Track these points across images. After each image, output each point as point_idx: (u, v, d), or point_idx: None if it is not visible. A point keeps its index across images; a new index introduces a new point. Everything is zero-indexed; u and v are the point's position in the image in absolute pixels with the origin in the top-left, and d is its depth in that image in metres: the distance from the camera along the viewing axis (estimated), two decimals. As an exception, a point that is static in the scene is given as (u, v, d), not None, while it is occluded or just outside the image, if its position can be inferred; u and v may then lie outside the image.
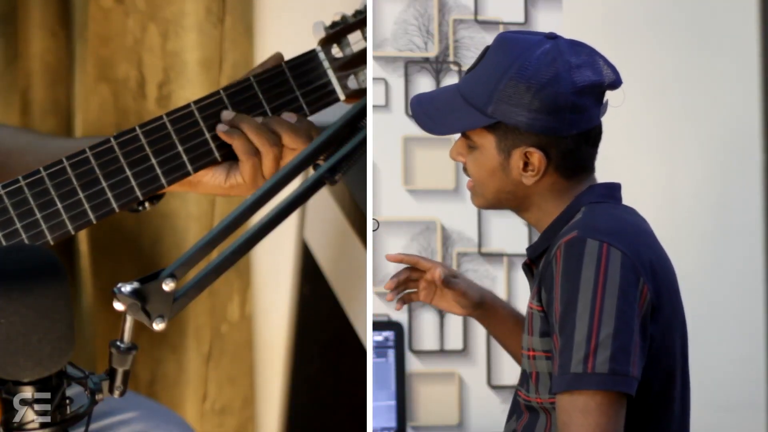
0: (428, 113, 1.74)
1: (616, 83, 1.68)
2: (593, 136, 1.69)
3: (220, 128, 1.72)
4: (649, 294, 1.59)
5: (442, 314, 2.68)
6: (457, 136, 1.75)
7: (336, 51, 1.77)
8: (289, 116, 1.74)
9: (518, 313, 1.90)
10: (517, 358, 1.86)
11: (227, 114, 1.72)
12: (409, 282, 1.87)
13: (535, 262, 1.72)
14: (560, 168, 1.67)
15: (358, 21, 1.78)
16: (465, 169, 1.74)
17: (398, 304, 1.87)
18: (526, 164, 1.67)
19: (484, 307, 1.87)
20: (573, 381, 1.55)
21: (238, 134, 1.71)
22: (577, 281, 1.56)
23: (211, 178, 1.75)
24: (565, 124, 1.64)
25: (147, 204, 1.75)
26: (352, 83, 1.78)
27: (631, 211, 1.71)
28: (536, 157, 1.65)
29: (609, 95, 1.69)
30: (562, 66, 1.64)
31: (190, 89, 2.38)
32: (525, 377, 1.68)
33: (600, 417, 1.54)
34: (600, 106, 1.68)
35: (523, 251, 2.68)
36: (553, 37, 1.68)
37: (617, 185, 1.72)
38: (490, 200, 1.72)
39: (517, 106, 1.64)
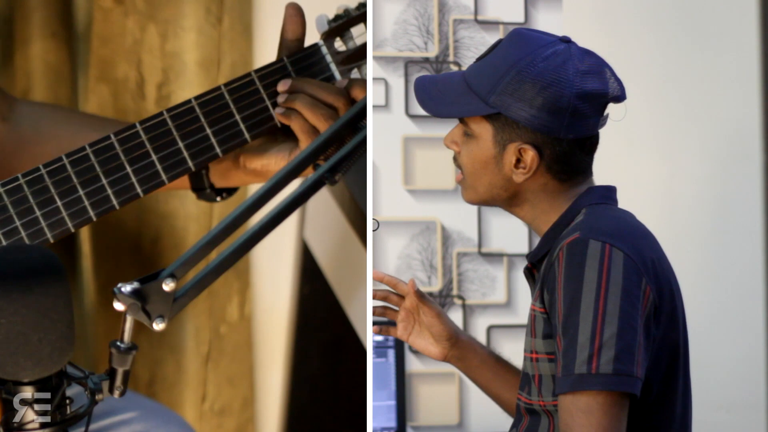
0: (431, 94, 1.74)
1: (620, 97, 1.68)
2: (589, 144, 1.68)
3: (278, 110, 1.74)
4: (652, 294, 1.58)
5: (442, 314, 2.68)
6: (454, 123, 1.74)
7: (339, 44, 1.77)
8: (341, 82, 1.75)
9: (499, 355, 1.88)
10: (505, 405, 1.85)
11: (283, 84, 1.73)
12: (387, 310, 1.87)
13: (536, 266, 1.71)
14: (552, 170, 1.67)
15: (360, 14, 1.77)
16: (455, 159, 1.73)
17: (375, 327, 1.88)
18: (518, 161, 1.67)
19: (459, 345, 1.86)
20: (577, 382, 1.54)
21: (295, 114, 1.72)
22: (580, 282, 1.56)
23: (275, 164, 1.76)
24: (564, 127, 1.64)
25: (224, 194, 1.81)
26: (355, 76, 1.78)
27: (629, 214, 1.71)
28: (529, 154, 1.65)
29: (611, 108, 1.69)
30: (570, 69, 1.64)
31: (190, 90, 2.37)
32: (527, 380, 1.68)
33: (602, 417, 1.54)
34: (600, 117, 1.68)
35: (523, 251, 2.69)
36: (567, 41, 1.68)
37: (613, 188, 1.72)
38: (482, 194, 1.71)
39: (519, 100, 1.64)
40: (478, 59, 1.72)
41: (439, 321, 1.84)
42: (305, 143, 1.72)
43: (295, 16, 1.75)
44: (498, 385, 1.86)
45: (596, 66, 1.67)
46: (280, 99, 1.74)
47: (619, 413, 1.55)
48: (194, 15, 2.37)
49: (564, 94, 1.63)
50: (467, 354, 1.86)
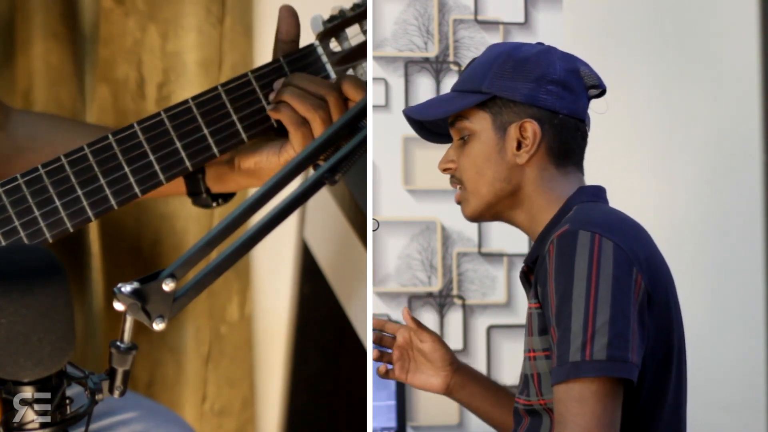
0: (422, 107, 1.78)
1: (599, 86, 1.73)
2: (582, 129, 1.72)
3: (269, 106, 1.74)
4: (644, 283, 1.59)
5: (442, 313, 2.68)
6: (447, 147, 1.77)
7: (334, 45, 1.78)
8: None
9: (496, 381, 1.89)
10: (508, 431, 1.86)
11: (278, 83, 1.75)
12: (384, 356, 1.87)
13: (531, 269, 1.72)
14: (551, 150, 1.69)
15: (356, 15, 1.78)
16: (453, 177, 1.75)
17: (380, 368, 1.89)
18: (519, 144, 1.68)
19: (461, 372, 1.86)
20: (572, 370, 1.54)
21: (283, 106, 1.72)
22: (570, 272, 1.56)
23: (266, 161, 1.77)
24: (557, 99, 1.68)
25: (220, 200, 1.81)
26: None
27: (619, 211, 1.72)
28: (530, 128, 1.68)
29: (593, 104, 1.73)
30: (553, 53, 1.71)
31: (190, 90, 2.37)
32: (525, 382, 1.68)
33: (596, 406, 1.53)
34: (587, 101, 1.72)
35: (523, 251, 2.70)
36: (542, 45, 1.75)
37: (603, 188, 1.74)
38: (484, 195, 1.72)
39: (512, 79, 1.69)
40: (461, 72, 1.77)
41: (441, 345, 1.85)
42: (294, 135, 1.73)
43: (289, 17, 1.76)
44: (500, 411, 1.86)
45: (573, 57, 1.73)
46: (272, 96, 1.75)
47: (612, 402, 1.54)
48: (195, 15, 2.37)
49: (552, 67, 1.69)
50: (468, 381, 1.87)
